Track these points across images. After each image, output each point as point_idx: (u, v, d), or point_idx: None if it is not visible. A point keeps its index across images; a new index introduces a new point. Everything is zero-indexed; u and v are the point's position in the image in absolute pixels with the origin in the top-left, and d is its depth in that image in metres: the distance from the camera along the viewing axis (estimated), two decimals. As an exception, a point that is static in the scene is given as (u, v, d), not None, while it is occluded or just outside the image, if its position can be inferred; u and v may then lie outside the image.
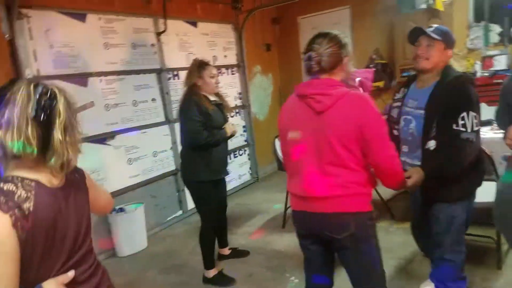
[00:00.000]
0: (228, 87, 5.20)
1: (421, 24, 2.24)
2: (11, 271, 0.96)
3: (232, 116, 5.18)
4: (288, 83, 5.84)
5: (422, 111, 2.07)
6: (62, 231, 1.08)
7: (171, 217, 4.37)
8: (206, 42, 4.87)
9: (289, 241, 3.45)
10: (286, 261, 3.21)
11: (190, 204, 4.30)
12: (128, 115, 3.91)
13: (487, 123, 3.34)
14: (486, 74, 4.35)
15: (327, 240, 1.76)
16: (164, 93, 4.24)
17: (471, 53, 4.63)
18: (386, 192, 3.72)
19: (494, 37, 4.58)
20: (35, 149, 1.01)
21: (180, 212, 4.46)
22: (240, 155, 5.45)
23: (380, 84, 5.02)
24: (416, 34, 2.13)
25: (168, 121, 4.30)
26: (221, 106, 2.95)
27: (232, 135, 2.94)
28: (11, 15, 2.99)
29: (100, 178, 3.60)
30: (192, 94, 2.79)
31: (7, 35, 3.01)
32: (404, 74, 4.60)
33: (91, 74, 3.57)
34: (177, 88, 4.22)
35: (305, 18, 5.86)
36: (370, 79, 3.25)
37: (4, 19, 2.99)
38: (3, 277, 0.95)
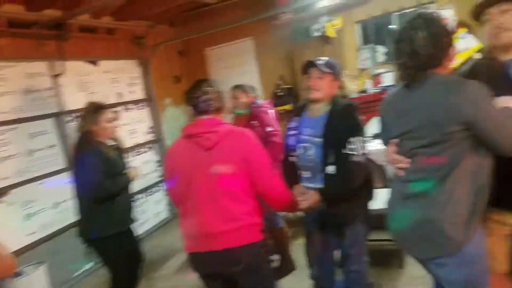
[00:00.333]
0: (137, 122, 5.08)
1: (316, 50, 2.40)
2: None
3: (144, 152, 5.06)
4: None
5: (320, 139, 2.21)
6: None
7: (80, 271, 3.98)
8: (108, 79, 4.72)
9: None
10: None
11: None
12: (22, 167, 3.60)
13: (379, 135, 3.62)
14: (377, 90, 4.79)
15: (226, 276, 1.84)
16: (63, 138, 3.98)
17: (362, 72, 5.08)
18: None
19: (380, 57, 5.10)
20: None
21: (90, 264, 3.99)
22: (155, 192, 5.14)
23: (287, 107, 5.27)
24: (308, 67, 2.28)
25: (69, 167, 3.93)
26: (119, 149, 2.83)
27: (134, 179, 2.80)
28: None
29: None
30: (89, 141, 2.62)
31: None
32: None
33: (-23, 127, 3.28)
34: (79, 131, 3.99)
35: (212, 50, 5.99)
36: (271, 107, 3.42)
37: None
38: None
